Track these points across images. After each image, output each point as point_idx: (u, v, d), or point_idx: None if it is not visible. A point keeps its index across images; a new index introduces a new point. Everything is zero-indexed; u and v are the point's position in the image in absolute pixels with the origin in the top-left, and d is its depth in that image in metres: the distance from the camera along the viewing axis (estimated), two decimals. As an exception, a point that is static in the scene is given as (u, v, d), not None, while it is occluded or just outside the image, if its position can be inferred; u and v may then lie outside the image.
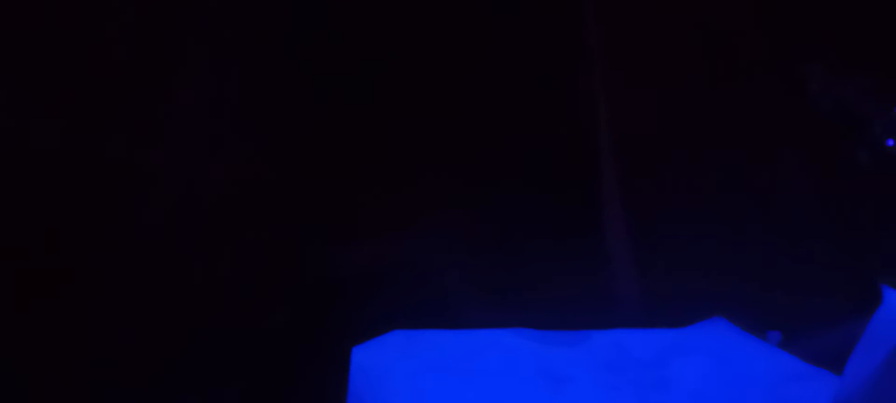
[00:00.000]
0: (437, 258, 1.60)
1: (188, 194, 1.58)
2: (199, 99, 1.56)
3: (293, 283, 1.58)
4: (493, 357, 1.40)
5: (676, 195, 1.61)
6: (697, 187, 1.60)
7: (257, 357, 1.57)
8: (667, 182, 1.61)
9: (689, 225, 1.61)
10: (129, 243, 1.56)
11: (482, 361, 1.39)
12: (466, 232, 1.62)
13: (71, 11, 1.53)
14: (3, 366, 1.52)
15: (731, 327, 1.41)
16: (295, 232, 1.60)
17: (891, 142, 1.57)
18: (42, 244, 1.55)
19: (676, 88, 1.59)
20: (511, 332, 1.42)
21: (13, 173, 1.53)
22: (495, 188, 1.61)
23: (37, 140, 1.53)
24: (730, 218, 1.60)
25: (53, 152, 1.54)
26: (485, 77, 1.59)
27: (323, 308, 1.57)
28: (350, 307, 1.56)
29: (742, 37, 1.59)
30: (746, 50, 1.59)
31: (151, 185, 1.55)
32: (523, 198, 1.61)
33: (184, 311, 1.57)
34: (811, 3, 1.58)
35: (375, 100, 1.57)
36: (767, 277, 1.57)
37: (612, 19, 1.60)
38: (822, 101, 1.57)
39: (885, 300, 1.22)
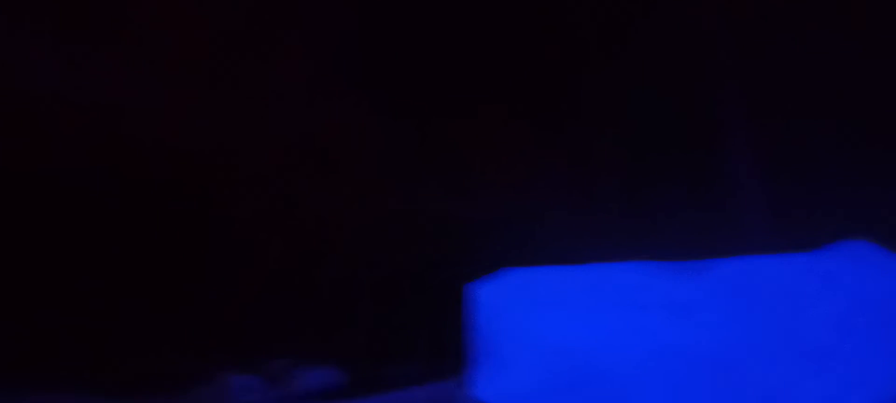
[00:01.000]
0: (555, 198, 1.56)
1: (309, 145, 1.56)
2: (319, 54, 1.55)
3: (414, 227, 1.55)
4: (612, 290, 1.34)
5: (802, 118, 1.53)
6: (823, 106, 1.52)
7: (380, 299, 1.55)
8: (792, 103, 1.53)
9: (817, 148, 1.53)
10: (247, 185, 1.56)
11: (602, 294, 1.34)
12: (585, 172, 1.57)
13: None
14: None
15: (870, 249, 1.32)
16: (413, 179, 1.57)
17: None
18: (173, 211, 1.56)
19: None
20: (628, 265, 1.36)
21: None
22: (614, 127, 1.56)
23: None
24: (865, 126, 1.51)
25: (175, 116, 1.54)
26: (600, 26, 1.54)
27: (443, 250, 1.55)
28: (470, 249, 1.53)
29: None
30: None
31: (275, 136, 1.55)
32: (643, 136, 1.55)
33: (306, 256, 1.56)
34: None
35: (491, 48, 1.53)
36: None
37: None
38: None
39: None
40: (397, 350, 1.50)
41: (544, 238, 1.54)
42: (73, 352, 1.49)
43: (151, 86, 1.53)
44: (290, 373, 1.43)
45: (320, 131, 1.57)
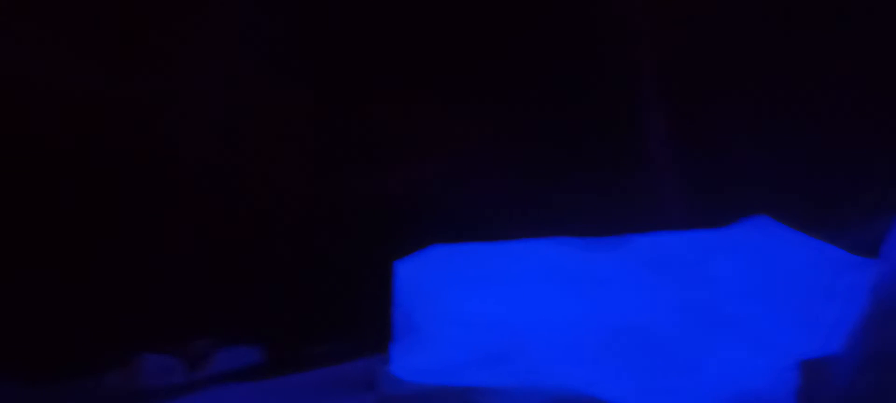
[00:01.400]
0: (475, 175, 1.60)
1: (232, 124, 1.58)
2: (238, 29, 1.56)
3: (336, 206, 1.58)
4: (532, 265, 1.39)
5: (716, 95, 1.58)
6: (737, 83, 1.58)
7: (305, 277, 1.58)
8: (706, 81, 1.59)
9: (730, 124, 1.59)
10: (175, 172, 1.57)
11: (523, 268, 1.39)
12: (502, 148, 1.61)
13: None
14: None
15: (774, 224, 1.39)
16: (337, 158, 1.60)
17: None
18: (99, 182, 1.56)
19: None
20: (551, 241, 1.41)
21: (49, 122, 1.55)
22: (532, 101, 1.60)
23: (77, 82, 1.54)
24: (772, 115, 1.57)
25: (90, 94, 1.54)
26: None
27: (366, 228, 1.58)
28: (392, 226, 1.56)
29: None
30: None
31: (195, 115, 1.56)
32: (560, 111, 1.60)
33: (234, 237, 1.58)
34: None
35: (411, 26, 1.56)
36: (812, 172, 1.55)
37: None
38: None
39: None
40: (321, 330, 1.53)
41: (467, 215, 1.58)
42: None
43: (64, 58, 1.54)
44: (210, 354, 1.43)
45: (242, 111, 1.58)
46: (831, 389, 1.09)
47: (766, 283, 1.34)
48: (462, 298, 1.35)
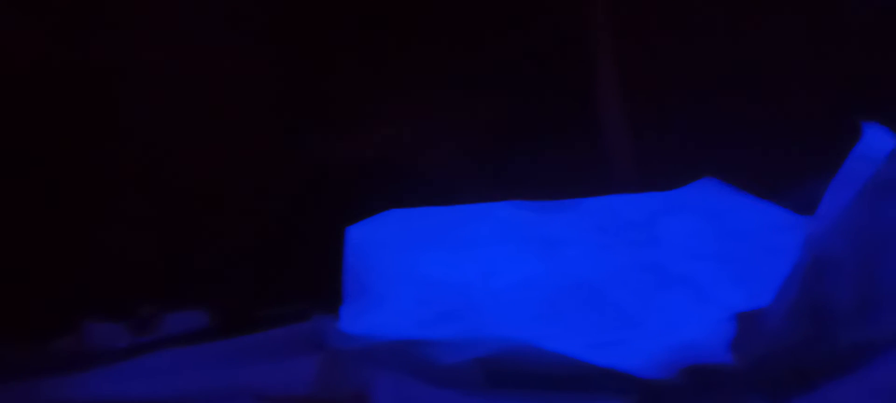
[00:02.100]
0: (428, 140, 1.61)
1: (183, 90, 1.59)
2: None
3: (289, 172, 1.59)
4: (485, 227, 1.42)
5: (667, 61, 1.61)
6: (687, 51, 1.60)
7: (258, 242, 1.59)
8: (657, 47, 1.61)
9: (680, 91, 1.61)
10: (129, 140, 1.58)
11: (475, 231, 1.42)
12: (458, 114, 1.63)
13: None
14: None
15: (721, 185, 1.42)
16: (293, 122, 1.61)
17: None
18: (45, 147, 1.57)
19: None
20: (504, 204, 1.44)
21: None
22: (487, 67, 1.62)
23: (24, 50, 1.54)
24: (720, 80, 1.60)
25: (41, 59, 1.55)
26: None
27: (319, 194, 1.59)
28: (345, 192, 1.57)
29: None
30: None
31: (147, 76, 1.56)
32: (514, 79, 1.62)
33: (186, 201, 1.58)
34: None
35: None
36: (757, 135, 1.58)
37: None
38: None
39: (863, 136, 1.23)
40: (270, 295, 1.53)
41: (423, 181, 1.60)
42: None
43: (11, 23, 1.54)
44: (158, 318, 1.43)
45: (197, 72, 1.58)
46: (762, 338, 1.12)
47: (710, 242, 1.37)
48: (413, 260, 1.37)
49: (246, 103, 1.60)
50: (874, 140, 1.21)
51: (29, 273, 1.54)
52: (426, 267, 1.37)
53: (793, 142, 1.57)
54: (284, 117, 1.61)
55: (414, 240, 1.40)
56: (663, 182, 1.46)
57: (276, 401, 1.11)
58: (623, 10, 1.63)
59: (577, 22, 1.63)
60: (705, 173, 1.45)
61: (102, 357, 1.35)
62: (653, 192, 1.45)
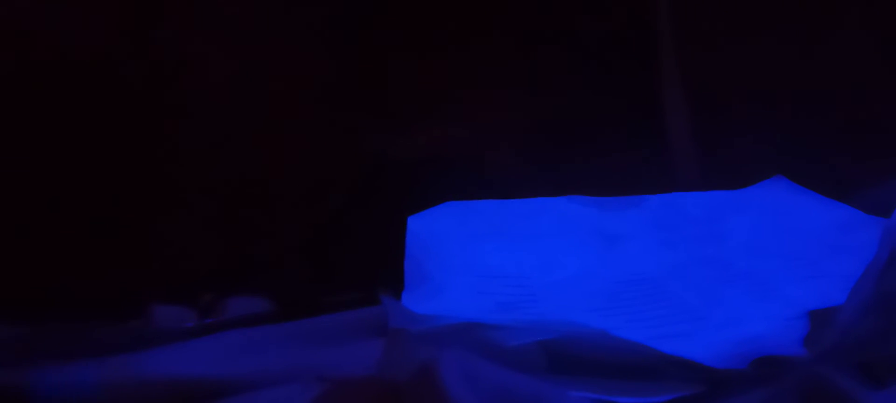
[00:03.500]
0: (489, 138, 1.60)
1: (244, 85, 1.59)
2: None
3: (350, 166, 1.59)
4: (545, 221, 1.41)
5: (735, 62, 1.59)
6: (756, 53, 1.58)
7: (318, 235, 1.59)
8: (725, 50, 1.59)
9: (747, 95, 1.59)
10: (189, 136, 1.59)
11: (534, 224, 1.41)
12: (519, 112, 1.62)
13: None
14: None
15: (790, 185, 1.40)
16: (350, 118, 1.61)
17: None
18: (95, 142, 1.58)
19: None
20: (563, 199, 1.43)
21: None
22: (549, 66, 1.61)
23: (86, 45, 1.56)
24: (791, 80, 1.58)
25: (103, 55, 1.56)
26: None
27: (378, 188, 1.59)
28: (405, 186, 1.57)
29: None
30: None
31: (206, 73, 1.57)
32: (577, 77, 1.61)
33: (247, 194, 1.59)
34: None
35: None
36: (826, 140, 1.56)
37: None
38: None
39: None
40: (334, 284, 1.53)
41: (481, 177, 1.59)
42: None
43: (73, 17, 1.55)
44: (220, 303, 1.44)
45: (254, 69, 1.59)
46: (835, 334, 1.10)
47: (776, 240, 1.35)
48: (473, 251, 1.37)
49: (306, 98, 1.60)
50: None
51: (98, 262, 1.56)
52: (485, 259, 1.37)
53: (864, 148, 1.55)
54: (344, 112, 1.61)
55: (473, 232, 1.39)
56: (728, 185, 1.44)
57: (340, 383, 1.10)
58: (688, 12, 1.62)
59: (641, 20, 1.62)
60: (772, 176, 1.43)
61: (168, 337, 1.35)
62: (718, 191, 1.43)
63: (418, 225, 1.39)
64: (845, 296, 1.16)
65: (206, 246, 1.58)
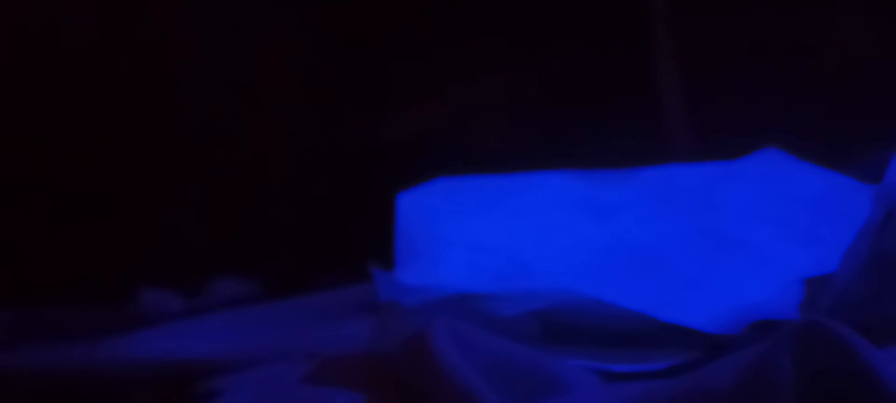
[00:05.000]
0: (483, 117, 1.59)
1: (234, 68, 1.59)
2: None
3: (341, 147, 1.58)
4: (538, 195, 1.39)
5: (727, 34, 1.58)
6: (748, 23, 1.58)
7: (308, 216, 1.58)
8: (719, 25, 1.58)
9: (740, 64, 1.58)
10: (176, 121, 1.58)
11: (527, 198, 1.39)
12: (513, 89, 1.61)
13: None
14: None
15: (783, 154, 1.39)
16: (341, 100, 1.60)
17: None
18: (87, 128, 1.57)
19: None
20: (556, 173, 1.41)
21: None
22: (542, 42, 1.60)
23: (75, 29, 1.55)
24: (783, 52, 1.57)
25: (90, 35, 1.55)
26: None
27: (370, 169, 1.58)
28: (397, 166, 1.56)
29: None
30: None
31: (194, 64, 1.56)
32: (568, 58, 1.60)
33: (237, 176, 1.58)
34: None
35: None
36: (819, 108, 1.55)
37: None
38: None
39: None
40: (323, 264, 1.53)
41: (475, 156, 1.58)
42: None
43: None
44: (211, 285, 1.44)
45: (249, 50, 1.58)
46: (830, 297, 1.09)
47: (772, 208, 1.34)
48: (464, 226, 1.35)
49: (294, 84, 1.59)
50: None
51: (88, 246, 1.55)
52: (477, 233, 1.35)
53: (857, 114, 1.54)
54: (332, 96, 1.60)
55: (465, 207, 1.38)
56: (723, 156, 1.43)
57: (330, 360, 1.09)
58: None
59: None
60: (766, 147, 1.42)
61: (157, 318, 1.35)
62: (712, 162, 1.42)
63: (409, 201, 1.37)
64: (840, 262, 1.15)
65: (196, 231, 1.58)
